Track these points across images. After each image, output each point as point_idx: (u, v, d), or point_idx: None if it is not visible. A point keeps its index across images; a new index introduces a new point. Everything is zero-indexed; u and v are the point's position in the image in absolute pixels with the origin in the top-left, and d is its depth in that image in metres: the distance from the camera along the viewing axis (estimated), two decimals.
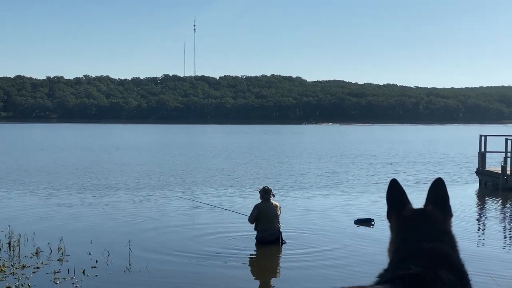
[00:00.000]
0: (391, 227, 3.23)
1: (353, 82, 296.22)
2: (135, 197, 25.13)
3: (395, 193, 3.24)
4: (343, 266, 13.39)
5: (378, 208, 21.15)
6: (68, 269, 12.70)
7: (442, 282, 2.77)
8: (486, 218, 21.40)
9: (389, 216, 3.24)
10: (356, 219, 18.74)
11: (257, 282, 12.99)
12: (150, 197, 25.17)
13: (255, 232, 15.48)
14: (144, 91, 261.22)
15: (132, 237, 15.80)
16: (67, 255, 13.96)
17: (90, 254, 14.13)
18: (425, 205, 3.20)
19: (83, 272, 12.60)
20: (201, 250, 14.86)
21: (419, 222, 3.11)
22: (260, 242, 15.30)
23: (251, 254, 14.84)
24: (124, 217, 20.02)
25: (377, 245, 14.98)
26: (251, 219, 15.33)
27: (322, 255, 14.44)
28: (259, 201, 15.52)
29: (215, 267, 13.37)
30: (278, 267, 14.07)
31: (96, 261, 13.51)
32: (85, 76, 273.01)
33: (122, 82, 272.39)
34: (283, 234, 15.50)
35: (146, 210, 21.61)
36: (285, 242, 15.39)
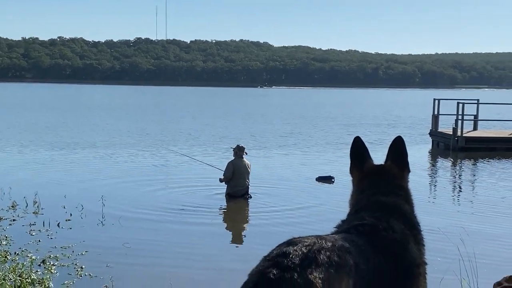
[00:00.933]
0: (353, 181, 3.29)
1: (317, 48, 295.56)
2: (107, 153, 24.98)
3: (358, 150, 3.28)
4: (305, 222, 13.50)
5: (336, 166, 21.34)
6: (43, 222, 12.63)
7: (393, 231, 2.83)
8: (437, 175, 21.83)
9: (351, 170, 3.29)
10: (317, 176, 18.90)
11: (228, 235, 13.15)
12: (123, 153, 25.05)
13: (225, 186, 15.63)
14: (117, 53, 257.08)
15: (105, 192, 15.73)
16: (42, 209, 13.87)
17: (64, 208, 14.05)
18: (385, 161, 3.25)
19: (58, 224, 12.56)
20: (173, 204, 14.87)
21: (378, 176, 3.16)
22: (231, 196, 15.47)
23: (221, 207, 15.04)
24: (97, 173, 19.92)
25: (337, 201, 15.19)
26: (228, 176, 15.42)
27: (285, 212, 14.59)
28: (232, 158, 15.71)
29: (186, 220, 13.45)
30: (247, 220, 14.29)
31: (70, 215, 13.45)
32: (59, 37, 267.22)
33: (96, 44, 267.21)
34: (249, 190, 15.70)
35: (118, 166, 21.55)
36: (251, 197, 15.57)
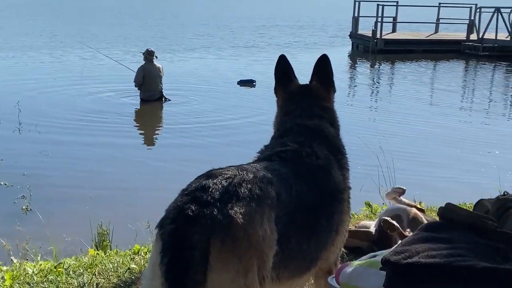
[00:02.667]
0: (277, 101, 3.12)
1: None
2: (19, 57, 23.76)
3: (283, 69, 3.11)
4: (223, 128, 13.32)
5: (255, 69, 21.06)
6: None
7: (317, 156, 2.68)
8: (356, 77, 22.10)
9: (276, 90, 3.12)
10: (238, 80, 18.65)
11: (141, 138, 12.94)
12: (36, 55, 23.95)
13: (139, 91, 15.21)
14: None
15: (20, 97, 15.00)
16: None
17: None
18: (310, 80, 3.08)
19: None
20: (91, 110, 14.39)
21: (302, 97, 3.00)
22: (145, 101, 15.09)
23: (136, 109, 14.81)
24: (10, 77, 18.96)
25: (260, 105, 15.11)
26: (138, 81, 14.93)
27: (204, 115, 14.41)
28: (143, 63, 15.12)
29: (103, 127, 13.05)
30: (161, 123, 14.08)
31: None
32: None
33: None
34: (166, 93, 15.32)
35: (32, 70, 20.58)
36: (169, 100, 15.25)
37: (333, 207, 2.63)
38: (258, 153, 2.81)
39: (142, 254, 4.54)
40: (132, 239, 6.51)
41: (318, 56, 3.06)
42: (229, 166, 2.34)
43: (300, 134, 2.79)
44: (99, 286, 3.77)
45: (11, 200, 8.64)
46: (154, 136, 13.11)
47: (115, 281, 3.84)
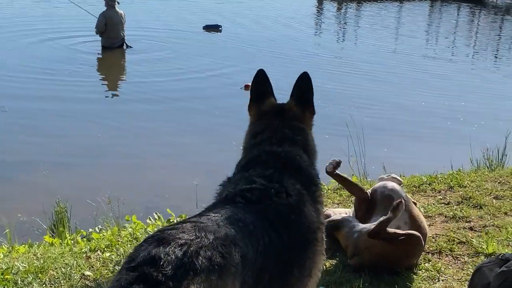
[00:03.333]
0: (250, 118, 2.81)
1: None
2: None
3: (259, 85, 2.79)
4: (186, 79, 12.88)
5: (219, 13, 20.34)
6: None
7: (287, 194, 2.38)
8: (323, 20, 21.65)
9: (250, 107, 2.82)
10: (204, 25, 18.01)
11: (104, 86, 12.54)
12: None
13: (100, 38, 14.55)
14: None
15: None
16: None
17: None
18: (289, 99, 2.76)
19: None
20: (47, 57, 13.75)
21: (275, 118, 2.69)
22: (106, 48, 14.47)
23: (98, 57, 14.27)
24: None
25: (224, 54, 14.67)
26: (100, 28, 14.26)
27: (166, 62, 13.93)
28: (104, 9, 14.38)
29: (63, 75, 12.53)
30: (124, 72, 13.65)
31: None
32: None
33: None
34: (127, 39, 14.70)
35: None
36: (131, 47, 14.66)
37: (306, 253, 2.35)
38: (220, 186, 2.50)
39: (99, 252, 4.23)
40: (91, 216, 6.25)
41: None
42: (185, 222, 2.01)
43: (268, 165, 2.47)
44: None
45: None
46: (116, 90, 12.55)
47: None
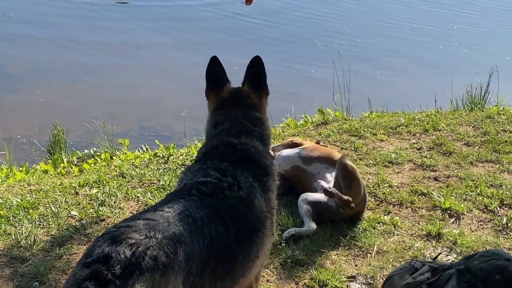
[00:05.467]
0: (208, 105, 2.97)
1: None
2: None
3: (215, 71, 2.92)
4: None
5: None
6: None
7: (239, 187, 2.59)
8: None
9: (207, 94, 2.96)
10: None
11: None
12: None
13: None
14: None
15: None
16: None
17: None
18: (242, 83, 2.91)
19: None
20: None
21: (233, 107, 2.85)
22: None
23: None
24: None
25: None
26: None
27: None
28: None
29: None
30: None
31: None
32: None
33: None
34: None
35: None
36: None
37: (253, 240, 2.58)
38: (182, 174, 2.71)
39: (87, 188, 4.49)
40: (88, 139, 6.49)
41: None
42: (139, 219, 2.22)
43: (224, 158, 2.67)
44: (37, 237, 3.76)
45: None
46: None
47: (53, 233, 3.82)
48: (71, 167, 5.37)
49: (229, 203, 2.52)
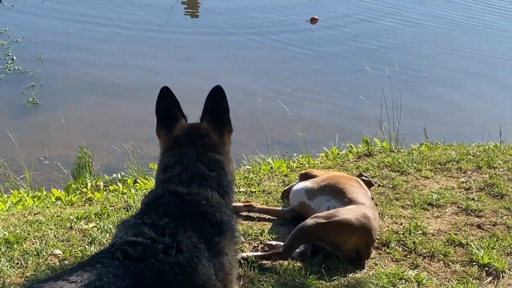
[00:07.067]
0: (160, 143, 2.49)
1: None
2: None
3: (166, 105, 2.44)
4: None
5: None
6: None
7: (178, 250, 2.10)
8: None
9: (158, 131, 2.48)
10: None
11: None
12: None
13: None
14: None
15: None
16: None
17: None
18: (201, 118, 2.43)
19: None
20: None
21: (187, 147, 2.35)
22: None
23: None
24: None
25: None
26: None
27: None
28: None
29: None
30: None
31: None
32: None
33: None
34: None
35: None
36: None
37: None
38: (117, 229, 2.24)
39: (84, 222, 4.13)
40: (114, 159, 6.20)
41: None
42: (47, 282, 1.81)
43: (166, 212, 2.18)
44: (10, 278, 3.41)
45: (19, 89, 8.36)
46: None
47: (28, 275, 3.45)
48: (93, 193, 5.03)
49: (161, 270, 2.03)
